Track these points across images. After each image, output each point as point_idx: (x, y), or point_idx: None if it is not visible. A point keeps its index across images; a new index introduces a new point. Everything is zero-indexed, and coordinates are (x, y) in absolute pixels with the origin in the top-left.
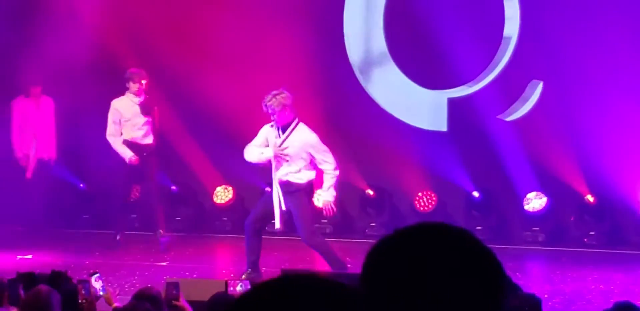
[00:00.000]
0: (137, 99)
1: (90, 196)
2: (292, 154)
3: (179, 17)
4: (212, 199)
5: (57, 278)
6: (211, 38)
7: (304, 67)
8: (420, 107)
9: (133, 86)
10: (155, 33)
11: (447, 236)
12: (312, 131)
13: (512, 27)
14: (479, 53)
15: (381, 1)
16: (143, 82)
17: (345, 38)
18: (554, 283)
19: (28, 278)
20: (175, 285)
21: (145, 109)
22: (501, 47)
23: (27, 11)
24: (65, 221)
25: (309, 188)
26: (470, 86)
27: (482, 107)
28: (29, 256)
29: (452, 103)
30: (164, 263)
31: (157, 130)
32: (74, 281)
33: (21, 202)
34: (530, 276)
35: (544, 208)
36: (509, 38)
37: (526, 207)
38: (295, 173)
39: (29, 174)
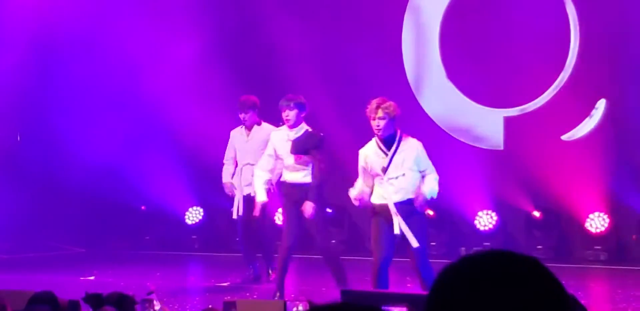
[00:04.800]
0: (291, 134)
1: (152, 217)
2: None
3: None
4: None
5: (123, 301)
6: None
7: (360, 82)
8: (475, 125)
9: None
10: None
11: (516, 264)
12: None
13: (573, 46)
14: (540, 71)
15: (437, 18)
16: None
17: (404, 56)
18: (616, 302)
19: (95, 300)
20: (232, 305)
21: (296, 147)
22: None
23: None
24: (127, 242)
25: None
26: (527, 105)
27: (539, 126)
28: (92, 278)
29: (509, 122)
30: (225, 284)
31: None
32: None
33: (84, 224)
34: (592, 295)
35: (606, 227)
36: (570, 58)
37: (588, 226)
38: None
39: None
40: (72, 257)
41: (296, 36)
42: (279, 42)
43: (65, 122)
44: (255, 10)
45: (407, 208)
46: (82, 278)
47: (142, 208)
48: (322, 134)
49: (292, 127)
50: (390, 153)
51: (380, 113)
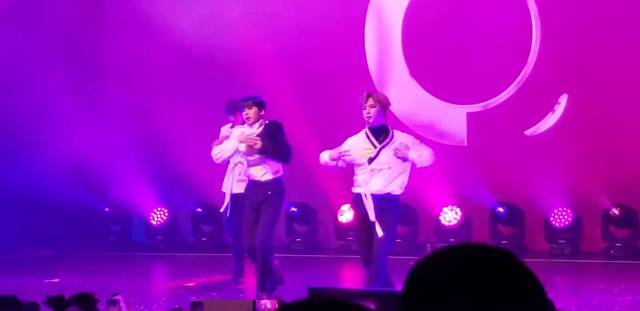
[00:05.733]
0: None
1: (116, 219)
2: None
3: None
4: None
5: (84, 300)
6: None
7: (324, 79)
8: (439, 121)
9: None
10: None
11: (490, 256)
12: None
13: (534, 42)
14: (500, 68)
15: (399, 14)
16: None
17: (367, 53)
18: (582, 295)
19: (57, 302)
20: (199, 305)
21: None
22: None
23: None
24: (92, 244)
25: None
26: (489, 101)
27: (502, 121)
28: (56, 280)
29: (472, 118)
30: (191, 284)
31: None
32: (103, 302)
33: (49, 227)
34: (557, 289)
35: (570, 221)
36: (532, 53)
37: (552, 221)
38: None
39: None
40: (37, 259)
41: (260, 35)
42: (243, 41)
43: (28, 123)
44: (221, 10)
45: (384, 201)
46: (47, 281)
47: (107, 209)
48: (279, 122)
49: (251, 124)
50: (379, 146)
51: (370, 101)
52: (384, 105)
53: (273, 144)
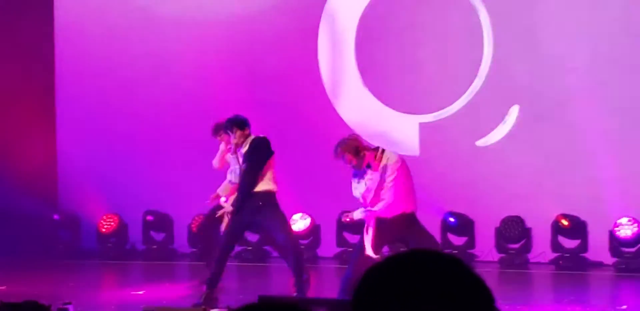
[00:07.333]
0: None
1: (65, 225)
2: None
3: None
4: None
5: (35, 309)
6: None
7: (278, 89)
8: (391, 131)
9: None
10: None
11: (439, 263)
12: (394, 155)
13: (486, 53)
14: (453, 78)
15: (353, 24)
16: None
17: (320, 63)
18: (531, 306)
19: (10, 309)
20: None
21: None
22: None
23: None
24: (40, 251)
25: None
26: (442, 111)
27: (454, 131)
28: (3, 287)
29: (424, 128)
30: (141, 292)
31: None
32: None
33: None
34: (506, 299)
35: (520, 231)
36: (483, 64)
37: (502, 230)
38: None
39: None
40: None
41: (212, 45)
42: (194, 52)
43: None
44: (172, 19)
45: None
46: None
47: (55, 217)
48: (261, 137)
49: (240, 146)
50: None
51: (346, 163)
52: (354, 155)
53: (239, 193)
